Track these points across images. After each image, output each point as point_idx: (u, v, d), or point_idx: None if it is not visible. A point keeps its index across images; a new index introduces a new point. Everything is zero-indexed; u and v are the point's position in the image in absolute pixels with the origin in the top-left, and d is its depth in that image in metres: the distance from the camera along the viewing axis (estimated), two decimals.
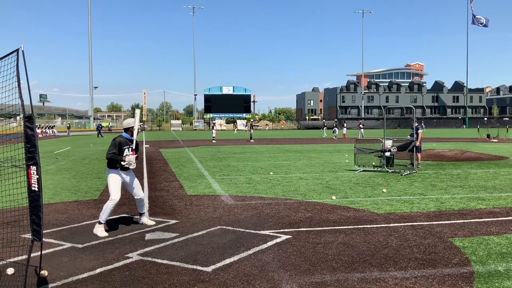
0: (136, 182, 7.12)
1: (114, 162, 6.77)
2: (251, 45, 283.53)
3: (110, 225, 7.08)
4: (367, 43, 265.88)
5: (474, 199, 9.30)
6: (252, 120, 64.00)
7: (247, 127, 71.16)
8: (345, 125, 44.33)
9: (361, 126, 43.44)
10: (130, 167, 6.85)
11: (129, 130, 6.95)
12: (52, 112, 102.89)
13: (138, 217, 7.39)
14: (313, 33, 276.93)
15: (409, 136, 14.80)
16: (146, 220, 7.24)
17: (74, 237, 6.49)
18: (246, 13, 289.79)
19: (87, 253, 5.69)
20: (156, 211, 8.33)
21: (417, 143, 14.67)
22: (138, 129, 7.02)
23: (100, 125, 55.90)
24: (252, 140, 37.76)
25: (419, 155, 15.08)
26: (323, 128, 51.83)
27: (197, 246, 5.95)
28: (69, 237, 6.46)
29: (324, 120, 72.81)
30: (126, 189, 7.09)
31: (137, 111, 7.14)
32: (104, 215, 6.64)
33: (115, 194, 6.67)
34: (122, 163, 6.74)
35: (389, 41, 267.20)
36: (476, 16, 79.08)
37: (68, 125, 71.22)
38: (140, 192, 7.16)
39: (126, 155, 6.81)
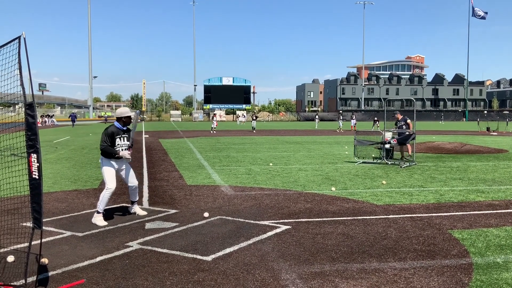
0: (129, 170, 7.05)
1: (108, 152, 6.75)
2: (251, 36, 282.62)
3: (110, 215, 7.09)
4: (368, 35, 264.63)
5: (473, 191, 9.32)
6: (252, 112, 63.97)
7: (245, 118, 71.11)
8: (354, 117, 43.89)
9: (375, 118, 43.33)
10: (126, 160, 6.85)
11: (121, 119, 6.79)
12: (51, 102, 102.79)
13: (130, 205, 7.34)
14: (313, 25, 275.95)
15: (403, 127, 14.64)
16: (137, 209, 7.20)
17: (74, 225, 6.51)
18: (247, 3, 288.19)
19: (87, 241, 5.70)
20: (156, 200, 8.34)
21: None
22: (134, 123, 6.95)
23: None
24: (254, 131, 37.96)
25: (409, 147, 14.92)
26: (315, 120, 51.78)
27: (197, 235, 5.97)
28: (69, 226, 6.48)
29: (316, 112, 72.36)
30: (120, 178, 7.05)
31: (138, 112, 7.19)
32: (101, 204, 6.62)
33: (110, 183, 6.66)
34: (116, 156, 6.71)
35: (390, 33, 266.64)
36: (475, 9, 78.92)
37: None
38: (134, 179, 7.07)
39: (119, 145, 6.75)
